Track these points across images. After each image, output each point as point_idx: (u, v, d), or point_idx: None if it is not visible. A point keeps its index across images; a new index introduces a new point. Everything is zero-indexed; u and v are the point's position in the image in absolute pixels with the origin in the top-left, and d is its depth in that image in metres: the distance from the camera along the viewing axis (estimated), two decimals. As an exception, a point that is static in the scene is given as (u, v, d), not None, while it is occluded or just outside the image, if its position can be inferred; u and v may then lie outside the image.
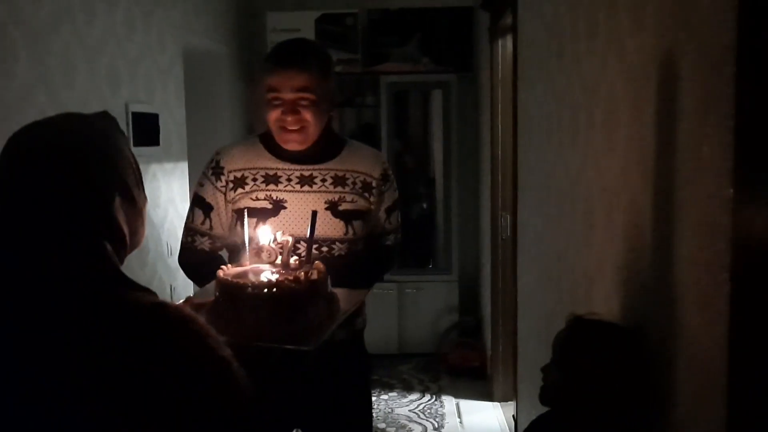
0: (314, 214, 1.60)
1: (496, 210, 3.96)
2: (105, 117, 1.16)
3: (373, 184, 1.95)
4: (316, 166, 1.90)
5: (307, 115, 1.83)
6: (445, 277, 4.89)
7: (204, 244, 1.93)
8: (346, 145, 1.97)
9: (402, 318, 4.85)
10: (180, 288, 3.48)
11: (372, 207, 1.96)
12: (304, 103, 1.81)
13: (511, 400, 3.89)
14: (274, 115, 1.83)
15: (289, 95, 1.80)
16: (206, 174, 1.92)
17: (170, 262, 3.41)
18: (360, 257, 1.95)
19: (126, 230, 1.07)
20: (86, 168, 1.03)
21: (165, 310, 1.02)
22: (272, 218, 1.86)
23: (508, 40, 3.59)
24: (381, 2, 4.84)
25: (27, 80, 2.26)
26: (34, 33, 2.31)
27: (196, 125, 3.99)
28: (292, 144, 1.86)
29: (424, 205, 5.29)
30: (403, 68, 4.78)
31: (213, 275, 1.98)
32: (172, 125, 3.52)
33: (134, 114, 3.01)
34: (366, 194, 1.94)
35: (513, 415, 3.50)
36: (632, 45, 1.52)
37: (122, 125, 1.44)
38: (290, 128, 1.83)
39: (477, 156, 4.82)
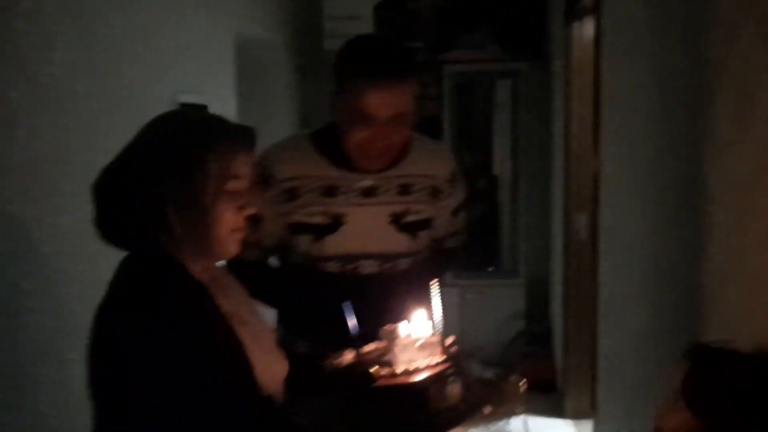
0: (346, 306, 1.36)
1: (569, 209, 3.63)
2: (239, 132, 1.20)
3: (441, 188, 1.73)
4: (380, 174, 1.66)
5: (399, 138, 1.60)
6: (511, 281, 4.58)
7: (252, 255, 1.71)
8: (413, 144, 1.73)
9: (463, 324, 4.53)
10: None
11: (439, 210, 1.74)
12: (398, 126, 1.57)
13: (586, 418, 3.57)
14: (359, 138, 1.57)
15: (385, 119, 1.54)
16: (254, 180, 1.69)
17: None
18: (423, 268, 1.72)
19: (179, 229, 1.10)
20: (147, 156, 1.12)
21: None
22: (329, 235, 1.64)
23: (588, 23, 3.26)
24: (445, -13, 4.55)
25: (66, 65, 2.06)
26: (77, 15, 2.11)
27: (248, 118, 3.78)
28: (375, 164, 1.64)
29: (488, 204, 4.97)
30: (469, 56, 4.48)
31: (262, 288, 1.76)
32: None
33: (182, 105, 2.81)
34: (433, 200, 1.72)
35: (591, 438, 3.17)
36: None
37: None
38: (374, 153, 1.60)
39: (548, 151, 4.48)
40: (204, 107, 3.09)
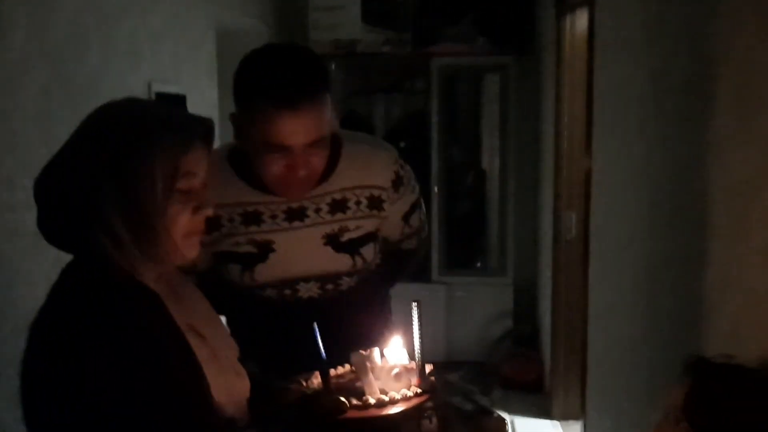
0: (314, 327, 1.16)
1: (559, 208, 3.54)
2: (192, 123, 1.08)
3: (383, 197, 1.52)
4: (307, 194, 1.46)
5: (320, 162, 1.38)
6: (499, 280, 4.48)
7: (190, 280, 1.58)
8: (342, 152, 1.48)
9: (450, 323, 4.46)
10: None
11: (384, 219, 1.55)
12: (317, 151, 1.35)
13: (573, 419, 3.50)
14: (274, 170, 1.35)
15: (299, 148, 1.32)
16: None
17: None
18: (372, 280, 1.57)
19: (126, 235, 0.99)
20: (83, 148, 1.01)
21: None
22: (260, 264, 1.48)
23: (580, 16, 3.16)
24: (433, -23, 4.43)
25: (25, 52, 1.94)
26: (37, -1, 1.99)
27: (230, 108, 3.67)
28: (296, 193, 1.43)
29: (475, 201, 4.88)
30: (457, 50, 4.36)
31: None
32: (203, 108, 3.19)
33: (158, 95, 2.69)
34: (375, 211, 1.52)
35: (578, 442, 3.09)
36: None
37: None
38: (296, 182, 1.38)
39: (537, 148, 4.38)
40: (182, 98, 2.98)
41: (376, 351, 1.20)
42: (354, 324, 1.24)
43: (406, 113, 4.76)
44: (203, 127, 1.07)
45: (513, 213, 4.49)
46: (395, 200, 1.54)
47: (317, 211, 1.47)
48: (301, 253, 1.47)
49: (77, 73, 2.16)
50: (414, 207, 1.61)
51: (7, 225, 1.79)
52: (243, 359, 1.23)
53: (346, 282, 1.52)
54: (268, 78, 1.32)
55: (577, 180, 3.29)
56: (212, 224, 1.43)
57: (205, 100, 3.26)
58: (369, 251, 1.54)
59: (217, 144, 1.20)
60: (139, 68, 2.61)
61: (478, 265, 4.77)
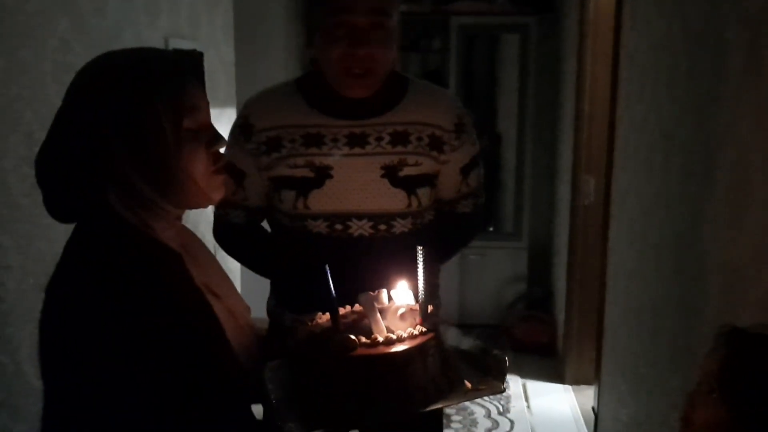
0: (326, 269, 1.17)
1: (578, 172, 3.49)
2: (180, 58, 1.06)
3: (444, 138, 1.53)
4: (371, 121, 1.48)
5: (380, 50, 1.41)
6: (514, 243, 4.47)
7: (239, 217, 1.57)
8: (409, 87, 1.54)
9: (464, 285, 4.46)
10: (224, 247, 3.16)
11: (442, 167, 1.55)
12: (377, 31, 1.39)
13: (585, 384, 3.51)
14: (337, 51, 1.40)
15: (360, 19, 1.37)
16: (234, 132, 1.53)
17: (214, 218, 3.08)
18: (429, 237, 1.55)
19: (139, 182, 0.97)
20: (86, 99, 0.98)
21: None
22: (315, 190, 1.48)
23: (607, -26, 3.07)
24: (454, -68, 4.31)
25: (44, 4, 1.90)
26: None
27: (246, 66, 3.61)
28: (358, 90, 1.45)
29: (490, 164, 4.82)
30: (477, 8, 4.27)
31: (254, 256, 1.63)
32: (219, 65, 3.15)
33: (175, 50, 2.65)
34: (435, 152, 1.52)
35: (592, 407, 3.10)
36: None
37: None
38: (358, 70, 1.41)
39: (556, 110, 4.31)
40: (199, 54, 2.93)
41: (384, 292, 1.21)
42: (398, 275, 1.24)
43: (423, 72, 4.69)
44: (192, 59, 1.05)
45: (529, 176, 4.45)
46: (456, 147, 1.56)
47: (378, 139, 1.48)
48: (357, 183, 1.47)
49: (96, 26, 2.12)
50: (474, 161, 1.61)
51: (27, 179, 1.77)
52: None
53: (399, 225, 1.52)
54: None
55: (597, 144, 3.24)
56: (272, 145, 1.48)
57: (222, 57, 3.21)
58: (425, 194, 1.53)
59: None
60: (157, 23, 2.56)
61: (491, 228, 4.75)
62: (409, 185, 1.51)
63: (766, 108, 1.32)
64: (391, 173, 1.49)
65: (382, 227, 1.51)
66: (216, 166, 1.05)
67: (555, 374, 3.78)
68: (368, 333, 1.10)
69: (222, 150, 1.07)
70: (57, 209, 1.01)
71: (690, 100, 1.77)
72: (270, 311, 1.62)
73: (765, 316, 1.24)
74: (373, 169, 1.48)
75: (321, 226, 1.50)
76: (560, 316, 3.88)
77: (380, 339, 1.08)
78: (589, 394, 3.36)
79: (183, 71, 1.02)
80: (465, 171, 1.60)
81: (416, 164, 1.51)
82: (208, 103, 1.05)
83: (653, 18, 2.16)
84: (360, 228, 1.50)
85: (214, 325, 1.02)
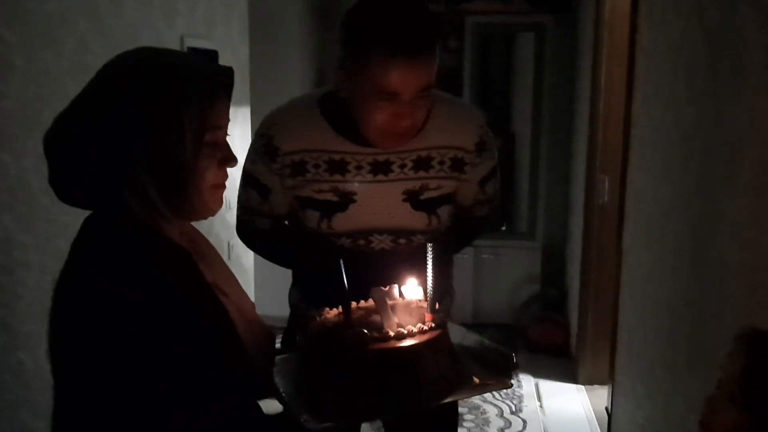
0: (340, 263, 1.18)
1: (593, 172, 3.48)
2: (216, 74, 1.03)
3: (466, 159, 1.54)
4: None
5: (423, 113, 1.42)
6: (528, 243, 4.45)
7: (265, 224, 1.60)
8: (432, 110, 1.49)
9: (477, 285, 4.46)
10: (239, 246, 3.18)
11: (463, 182, 1.58)
12: (423, 102, 1.39)
13: (599, 384, 3.50)
14: (382, 119, 1.37)
15: (410, 96, 1.35)
16: (257, 151, 1.53)
17: (228, 217, 3.09)
18: (442, 237, 1.58)
19: (150, 188, 0.96)
20: (110, 102, 0.95)
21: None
22: (339, 213, 1.50)
23: (624, -27, 3.05)
24: (469, -69, 4.30)
25: (63, 5, 1.92)
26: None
27: (260, 66, 3.63)
28: (395, 144, 1.45)
29: (504, 164, 4.80)
30: (493, 7, 4.26)
31: (279, 251, 1.64)
32: (234, 64, 3.16)
33: (191, 50, 2.67)
34: (456, 173, 1.54)
35: (606, 407, 3.09)
36: None
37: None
38: (398, 131, 1.40)
39: (571, 110, 4.29)
40: (214, 53, 2.95)
41: (395, 288, 1.22)
42: (412, 274, 1.26)
43: (438, 72, 4.67)
44: (226, 77, 1.04)
45: (543, 176, 4.43)
46: (477, 164, 1.57)
47: (402, 166, 1.49)
48: (380, 207, 1.50)
49: (114, 26, 2.13)
50: (492, 172, 1.63)
51: (46, 178, 1.79)
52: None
53: (418, 239, 1.55)
54: (386, 24, 1.33)
55: (612, 144, 3.22)
56: (297, 169, 1.50)
57: (237, 57, 3.22)
58: (445, 212, 1.56)
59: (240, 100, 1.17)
60: (174, 23, 2.57)
61: (505, 228, 4.74)
62: (429, 207, 1.54)
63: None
64: (412, 198, 1.52)
65: (402, 241, 1.55)
66: (222, 181, 1.04)
67: (568, 374, 3.77)
68: (378, 328, 1.11)
69: (233, 165, 1.06)
70: (62, 188, 1.00)
71: (709, 99, 1.76)
72: (293, 304, 1.64)
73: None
74: (395, 194, 1.51)
75: (344, 241, 1.54)
76: (574, 317, 3.87)
77: (391, 334, 1.09)
78: (602, 394, 3.35)
79: (215, 88, 1.00)
80: (483, 182, 1.63)
81: (437, 188, 1.53)
82: (229, 121, 1.04)
83: (670, 17, 2.15)
84: (381, 242, 1.54)
85: (225, 320, 1.03)
